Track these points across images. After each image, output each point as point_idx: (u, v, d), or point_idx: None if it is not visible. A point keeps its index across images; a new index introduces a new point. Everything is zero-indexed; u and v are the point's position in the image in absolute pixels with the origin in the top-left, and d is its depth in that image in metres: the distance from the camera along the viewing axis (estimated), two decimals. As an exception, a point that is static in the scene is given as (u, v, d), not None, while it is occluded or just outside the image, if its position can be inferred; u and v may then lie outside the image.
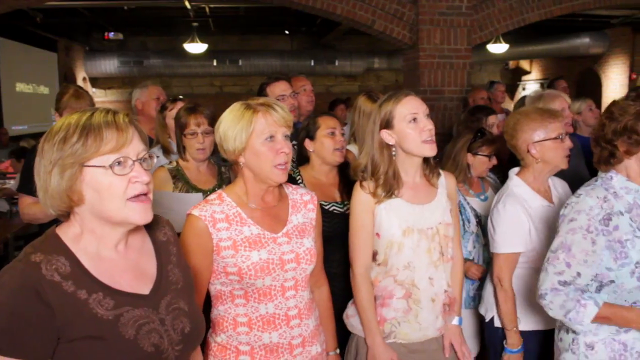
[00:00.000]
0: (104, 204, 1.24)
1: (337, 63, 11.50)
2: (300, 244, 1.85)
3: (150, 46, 12.04)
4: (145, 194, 1.27)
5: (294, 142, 2.56)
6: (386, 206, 2.02)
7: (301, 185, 2.53)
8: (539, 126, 2.31)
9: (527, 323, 2.36)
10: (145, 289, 1.32)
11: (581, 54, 11.11)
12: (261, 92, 3.28)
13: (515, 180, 2.39)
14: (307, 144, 2.59)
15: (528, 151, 2.33)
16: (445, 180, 2.17)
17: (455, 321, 2.18)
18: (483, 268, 2.83)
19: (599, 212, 1.79)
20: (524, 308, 2.35)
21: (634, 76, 10.25)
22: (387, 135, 2.02)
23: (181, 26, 10.20)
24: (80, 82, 10.81)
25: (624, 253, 1.77)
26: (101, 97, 11.77)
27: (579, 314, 1.79)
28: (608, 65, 11.05)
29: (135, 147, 1.26)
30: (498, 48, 10.43)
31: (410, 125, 1.98)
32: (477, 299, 2.91)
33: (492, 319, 2.44)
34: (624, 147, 1.81)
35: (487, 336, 2.54)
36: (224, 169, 2.84)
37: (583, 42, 10.84)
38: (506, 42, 10.37)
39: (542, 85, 12.40)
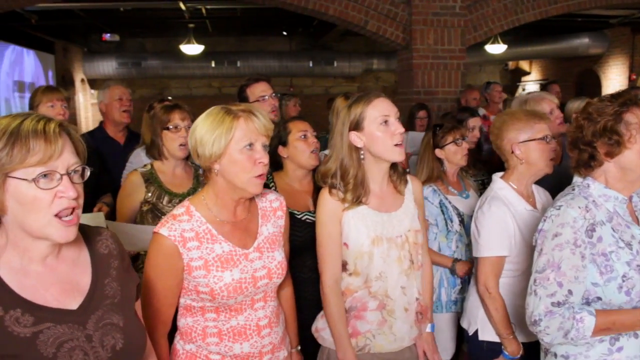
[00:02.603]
0: (26, 218, 1.18)
1: (335, 64, 11.45)
2: (271, 259, 1.81)
3: (148, 47, 12.03)
4: (73, 210, 1.21)
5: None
6: (354, 215, 1.96)
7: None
8: (525, 126, 2.26)
9: (520, 335, 2.26)
10: (73, 303, 1.26)
11: (580, 55, 11.04)
12: (241, 94, 3.25)
13: (499, 183, 2.33)
14: (281, 150, 2.54)
15: (512, 152, 2.28)
16: (411, 185, 2.12)
17: (427, 328, 2.13)
18: (470, 264, 2.77)
19: (583, 223, 1.69)
20: (511, 318, 2.26)
21: (634, 77, 10.18)
22: (355, 138, 1.95)
23: (179, 27, 10.18)
24: (78, 84, 10.83)
25: (609, 266, 1.67)
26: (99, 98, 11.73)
27: (579, 331, 1.66)
28: (607, 66, 10.98)
29: (65, 159, 1.20)
30: (496, 49, 10.37)
31: (381, 127, 1.93)
32: (458, 302, 2.87)
33: (475, 332, 2.36)
34: (604, 148, 1.72)
35: (470, 350, 2.46)
36: (201, 171, 2.80)
37: (582, 42, 10.77)
38: (505, 42, 10.31)
39: (541, 86, 12.33)
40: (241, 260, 1.74)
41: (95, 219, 2.88)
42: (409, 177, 2.13)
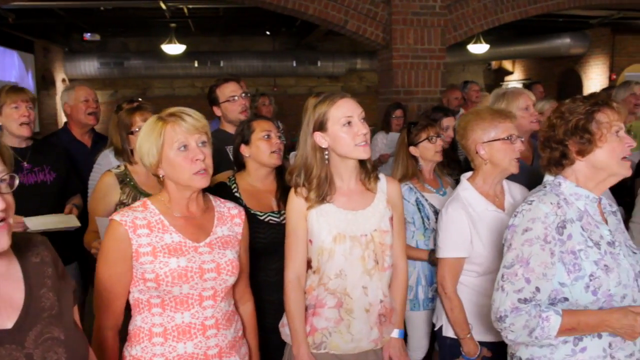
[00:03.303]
0: None
1: (319, 64, 11.44)
2: (222, 255, 1.82)
3: (131, 47, 11.95)
4: (2, 220, 1.14)
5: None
6: (317, 212, 1.98)
7: (236, 193, 2.46)
8: (489, 126, 2.25)
9: (476, 334, 2.28)
10: (7, 322, 1.17)
11: (562, 55, 11.15)
12: (211, 94, 3.24)
13: (463, 184, 2.33)
14: (243, 149, 2.51)
15: (477, 152, 2.27)
16: (386, 186, 2.10)
17: (395, 334, 2.10)
18: None
19: (554, 219, 1.69)
20: (472, 318, 2.28)
21: (614, 77, 10.29)
22: (320, 138, 1.96)
23: (161, 27, 10.11)
24: (59, 84, 10.71)
25: (577, 265, 1.67)
26: (82, 98, 11.63)
27: (544, 330, 1.65)
28: (588, 66, 11.08)
29: None
30: (479, 48, 10.43)
31: (344, 128, 1.92)
32: (435, 300, 2.87)
33: (441, 327, 2.39)
34: (576, 147, 1.74)
35: (438, 344, 2.49)
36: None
37: (564, 42, 10.88)
38: (487, 42, 10.37)
39: (524, 86, 12.41)
40: (190, 251, 1.77)
41: (68, 220, 2.85)
42: (384, 178, 2.11)
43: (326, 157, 1.98)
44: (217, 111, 3.23)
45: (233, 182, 2.51)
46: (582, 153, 1.73)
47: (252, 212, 2.40)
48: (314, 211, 1.98)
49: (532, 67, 12.97)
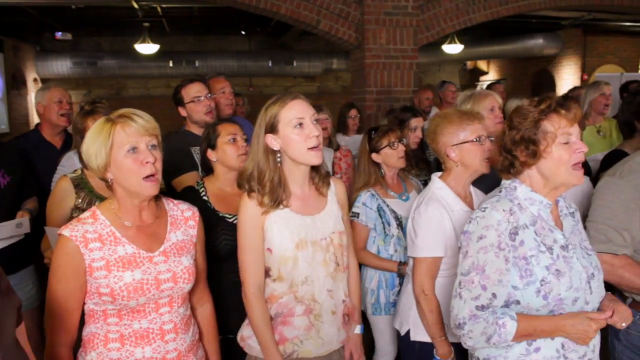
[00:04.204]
0: None
1: (295, 64, 11.41)
2: (178, 263, 1.79)
3: (104, 47, 11.80)
4: None
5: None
6: (276, 219, 1.92)
7: (204, 197, 2.44)
8: (457, 129, 2.25)
9: (449, 336, 2.26)
10: None
11: (535, 55, 11.29)
12: (176, 95, 3.20)
13: (437, 183, 2.31)
14: (210, 153, 2.50)
15: (447, 155, 2.26)
16: (334, 187, 2.09)
17: (357, 330, 2.11)
18: None
19: (506, 226, 1.69)
20: (445, 319, 2.25)
21: (585, 77, 10.44)
22: (272, 140, 1.91)
23: (135, 26, 10.01)
24: (30, 83, 10.53)
25: (529, 270, 1.68)
26: (54, 98, 11.45)
27: (501, 336, 1.66)
28: (561, 66, 11.24)
29: None
30: (453, 48, 10.51)
31: (296, 130, 1.89)
32: (396, 304, 2.87)
33: (407, 333, 2.35)
34: (522, 157, 1.73)
35: (402, 351, 2.45)
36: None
37: (537, 43, 11.02)
38: (462, 42, 10.46)
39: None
40: (144, 262, 1.73)
41: (19, 226, 2.77)
42: (331, 179, 2.10)
43: (279, 159, 1.93)
44: (183, 112, 3.20)
45: (201, 186, 2.50)
46: (527, 164, 1.73)
47: (220, 214, 2.39)
48: (271, 218, 1.92)
49: (507, 67, 13.11)
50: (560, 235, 1.75)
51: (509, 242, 1.68)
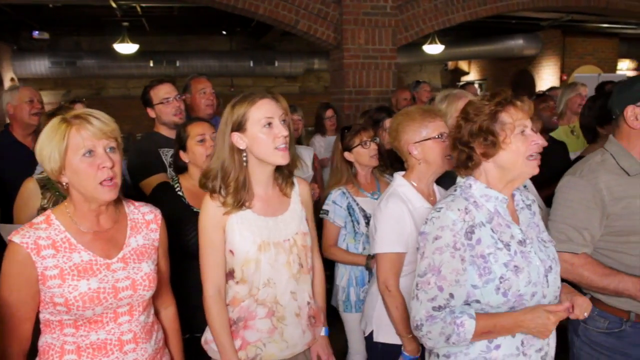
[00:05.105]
0: None
1: (276, 64, 11.37)
2: (137, 270, 1.72)
3: (84, 46, 11.68)
4: None
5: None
6: (238, 220, 1.89)
7: (179, 192, 2.44)
8: (420, 126, 2.23)
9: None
10: None
11: (516, 55, 11.38)
12: (144, 95, 3.17)
13: (399, 180, 2.30)
14: (182, 155, 2.49)
15: (410, 153, 2.25)
16: (298, 188, 2.07)
17: (322, 332, 2.09)
18: None
19: (462, 225, 1.68)
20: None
21: (564, 77, 10.54)
22: (238, 139, 1.87)
23: (114, 26, 9.91)
24: (7, 83, 10.36)
25: (487, 268, 1.66)
26: (32, 98, 11.32)
27: (460, 335, 1.65)
28: (541, 67, 11.34)
29: None
30: (434, 49, 10.55)
31: (264, 130, 1.85)
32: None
33: (371, 333, 2.34)
34: (480, 149, 1.72)
35: (367, 350, 2.44)
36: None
37: (517, 43, 11.11)
38: (443, 43, 10.50)
39: (480, 85, 12.63)
40: (102, 270, 1.66)
41: None
42: (295, 180, 2.08)
43: (244, 159, 1.90)
44: (151, 113, 3.17)
45: (176, 182, 2.50)
46: (486, 155, 1.72)
47: (194, 210, 2.38)
48: (233, 218, 1.88)
49: (488, 68, 13.20)
50: (517, 230, 1.74)
51: (465, 241, 1.67)
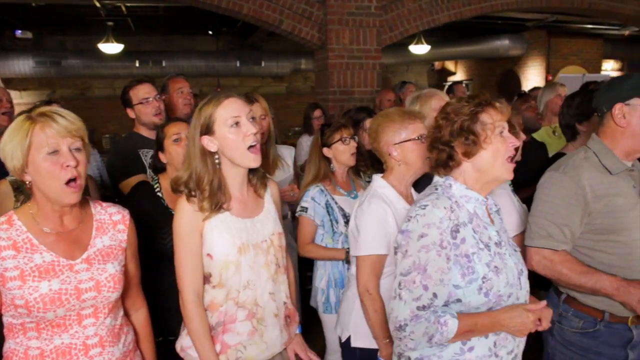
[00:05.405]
0: None
1: (263, 64, 11.33)
2: (102, 270, 1.69)
3: (69, 46, 11.56)
4: None
5: None
6: (217, 224, 1.85)
7: (158, 193, 2.42)
8: (399, 127, 2.23)
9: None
10: None
11: (501, 56, 11.43)
12: (124, 96, 3.14)
13: (379, 182, 2.28)
14: (161, 156, 2.48)
15: (390, 154, 2.24)
16: (270, 188, 2.06)
17: (297, 330, 2.09)
18: None
19: (448, 224, 1.67)
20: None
21: (550, 77, 10.61)
22: (208, 142, 1.84)
23: (99, 26, 9.83)
24: (-10, 83, 10.28)
25: (470, 268, 1.66)
26: (16, 98, 11.17)
27: (443, 335, 1.64)
28: (526, 67, 11.41)
29: None
30: (420, 49, 10.57)
31: (232, 129, 1.83)
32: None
33: (348, 339, 2.32)
34: (461, 148, 1.72)
35: (344, 356, 2.42)
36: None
37: (503, 44, 11.15)
38: (429, 43, 10.53)
39: (466, 85, 12.68)
40: (64, 271, 1.63)
41: None
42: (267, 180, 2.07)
43: (217, 161, 1.87)
44: (131, 113, 3.14)
45: (156, 182, 2.48)
46: (467, 155, 1.72)
47: (172, 212, 2.33)
48: (211, 222, 1.85)
49: (474, 68, 13.25)
50: (494, 232, 1.76)
51: (451, 240, 1.67)
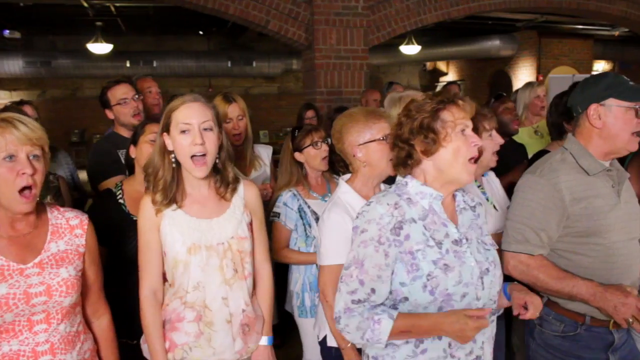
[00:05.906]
0: None
1: (254, 64, 11.34)
2: (54, 275, 1.66)
3: (59, 46, 11.54)
4: None
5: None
6: (170, 222, 1.88)
7: (120, 200, 2.37)
8: (364, 127, 2.13)
9: None
10: None
11: (493, 56, 11.46)
12: (102, 96, 3.13)
13: (343, 187, 2.20)
14: (132, 150, 2.44)
15: (354, 155, 2.15)
16: (244, 191, 2.03)
17: (264, 341, 2.05)
18: None
19: (389, 220, 1.64)
20: None
21: (540, 77, 10.63)
22: (167, 139, 1.88)
23: (90, 26, 9.81)
24: (-20, 83, 10.24)
25: (415, 265, 1.62)
26: (6, 98, 11.16)
27: (374, 332, 1.62)
28: (517, 67, 11.43)
29: None
30: (410, 49, 10.58)
31: (182, 136, 1.84)
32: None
33: (324, 338, 2.31)
34: (421, 146, 1.68)
35: (322, 355, 2.40)
36: (52, 177, 2.66)
37: (494, 44, 11.18)
38: (420, 43, 10.54)
39: (458, 86, 12.67)
40: (13, 275, 1.60)
41: None
42: (243, 183, 2.04)
43: (173, 160, 1.89)
44: (110, 114, 3.13)
45: (119, 188, 2.42)
46: (427, 153, 1.69)
47: (133, 218, 2.30)
48: (166, 220, 1.88)
49: (465, 68, 13.28)
50: (454, 230, 1.71)
51: (391, 236, 1.64)
